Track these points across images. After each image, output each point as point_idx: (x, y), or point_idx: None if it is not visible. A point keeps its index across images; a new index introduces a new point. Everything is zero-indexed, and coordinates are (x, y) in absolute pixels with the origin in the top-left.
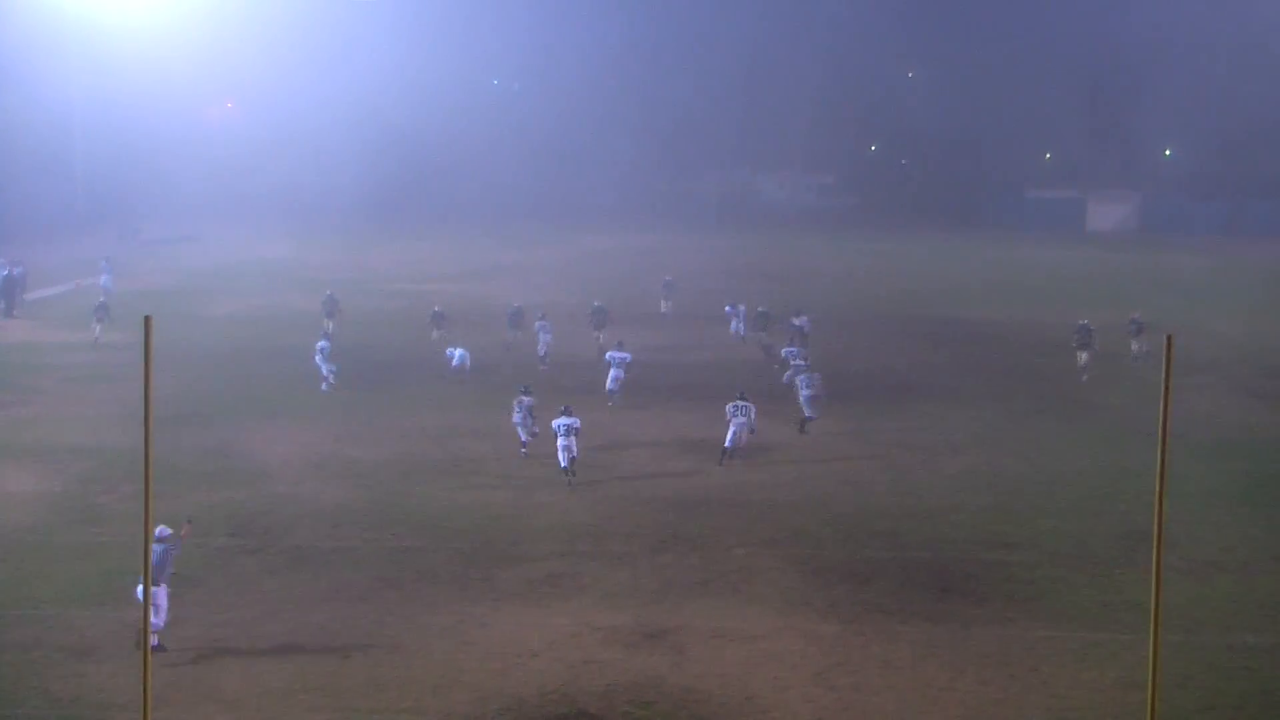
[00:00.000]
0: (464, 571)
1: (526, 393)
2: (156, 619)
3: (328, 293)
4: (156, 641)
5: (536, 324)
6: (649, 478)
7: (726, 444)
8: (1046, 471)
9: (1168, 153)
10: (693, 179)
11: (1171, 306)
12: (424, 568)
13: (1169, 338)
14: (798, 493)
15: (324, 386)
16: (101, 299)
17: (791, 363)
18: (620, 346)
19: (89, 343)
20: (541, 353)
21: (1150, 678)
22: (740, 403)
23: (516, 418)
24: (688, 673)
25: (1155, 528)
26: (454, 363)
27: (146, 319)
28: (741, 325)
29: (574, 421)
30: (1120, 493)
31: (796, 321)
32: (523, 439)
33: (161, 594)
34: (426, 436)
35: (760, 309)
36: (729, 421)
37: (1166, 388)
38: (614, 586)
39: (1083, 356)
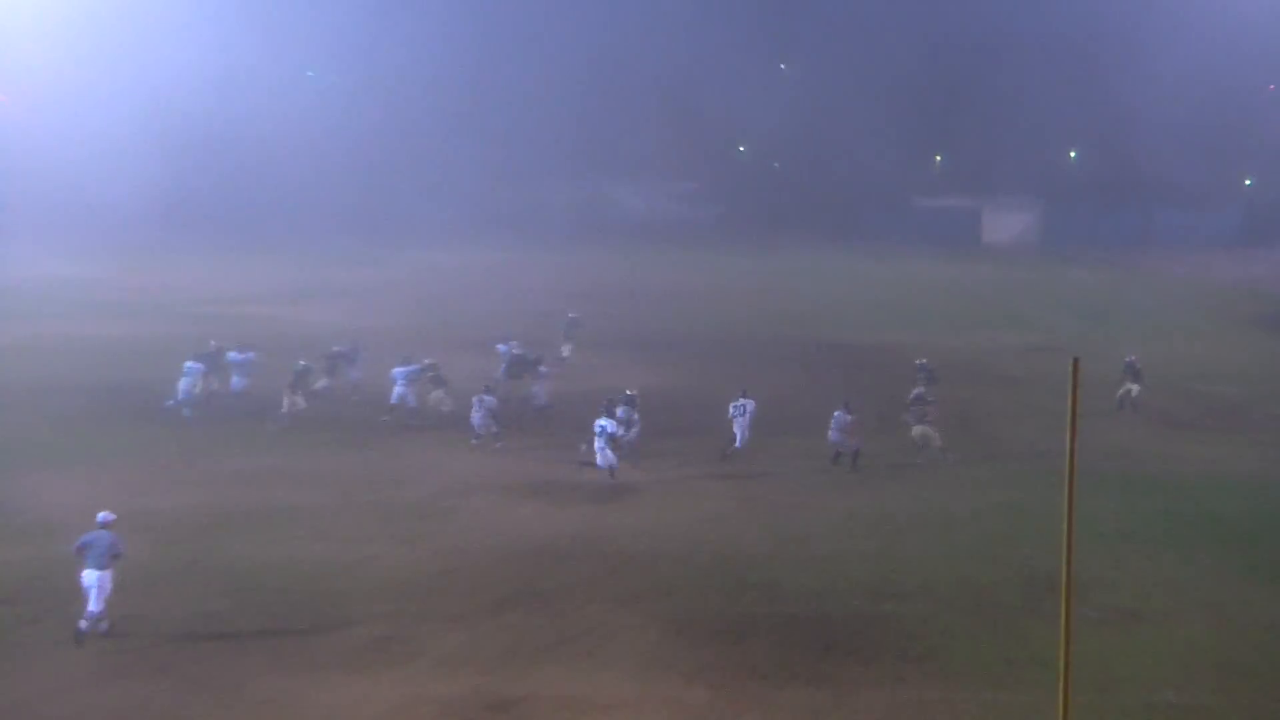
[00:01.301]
0: (279, 638)
1: (610, 414)
2: (97, 606)
3: (212, 343)
4: (84, 627)
5: (343, 351)
6: (492, 525)
7: (736, 444)
8: (941, 511)
9: (1072, 154)
10: (540, 189)
11: (1077, 328)
12: (233, 635)
13: (1075, 361)
14: (660, 540)
15: (184, 412)
16: None
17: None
18: (407, 361)
19: None
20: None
21: None
22: (742, 401)
23: (599, 443)
24: None
25: (1064, 573)
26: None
27: None
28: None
29: (608, 425)
30: (1024, 534)
31: (502, 348)
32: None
33: (109, 579)
34: (237, 483)
35: (516, 350)
36: (732, 421)
37: (1073, 417)
38: (451, 651)
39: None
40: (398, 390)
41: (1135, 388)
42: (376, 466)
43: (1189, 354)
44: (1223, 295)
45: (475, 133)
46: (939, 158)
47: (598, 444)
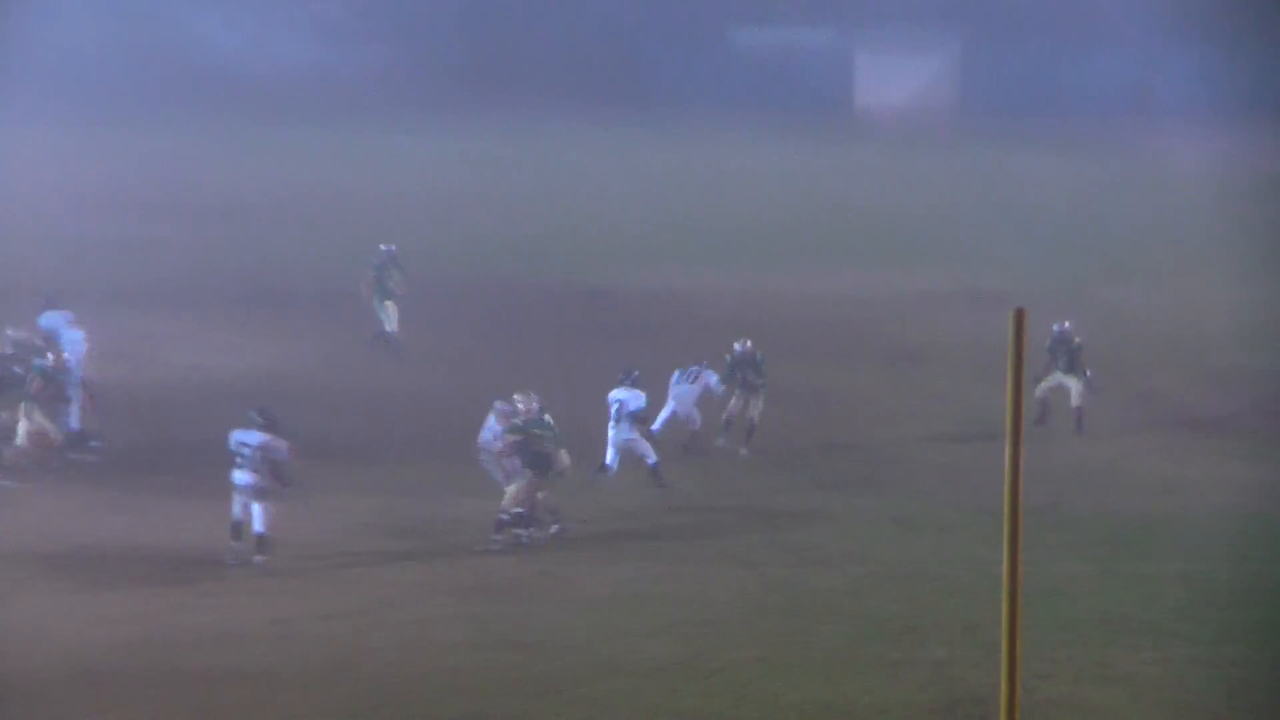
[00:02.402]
0: None
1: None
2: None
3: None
4: None
5: None
6: None
7: (695, 426)
8: (788, 585)
9: None
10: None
11: (1021, 256)
12: None
13: (1018, 314)
14: (280, 651)
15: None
16: None
17: None
18: None
19: None
20: None
21: None
22: (693, 368)
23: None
24: None
25: (1004, 691)
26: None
27: None
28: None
29: (633, 398)
30: (936, 622)
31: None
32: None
33: None
34: None
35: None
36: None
37: (1015, 410)
38: None
39: (745, 407)
40: None
41: (1073, 385)
42: None
43: (1211, 301)
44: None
45: None
46: None
47: (616, 436)
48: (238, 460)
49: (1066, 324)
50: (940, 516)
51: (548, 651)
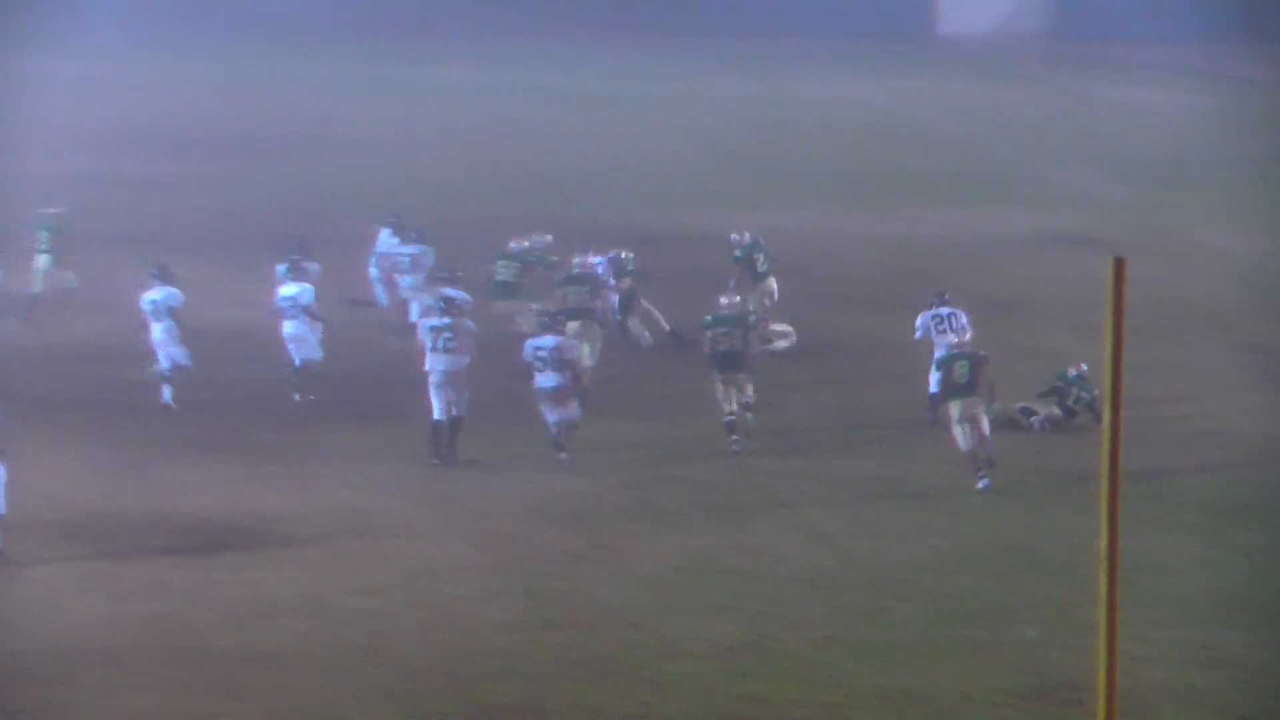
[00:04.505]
0: None
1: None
2: None
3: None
4: None
5: None
6: None
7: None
8: (864, 559)
9: None
10: None
11: (1121, 203)
12: None
13: (1119, 263)
14: (299, 631)
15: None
16: None
17: None
18: None
19: None
20: None
21: None
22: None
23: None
24: None
25: (1102, 668)
26: None
27: None
28: None
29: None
30: (1026, 601)
31: None
32: None
33: None
34: None
35: None
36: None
37: (1116, 365)
38: None
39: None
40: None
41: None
42: None
43: None
44: None
45: None
46: None
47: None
48: (537, 366)
49: (747, 234)
50: (1030, 485)
51: (604, 631)
